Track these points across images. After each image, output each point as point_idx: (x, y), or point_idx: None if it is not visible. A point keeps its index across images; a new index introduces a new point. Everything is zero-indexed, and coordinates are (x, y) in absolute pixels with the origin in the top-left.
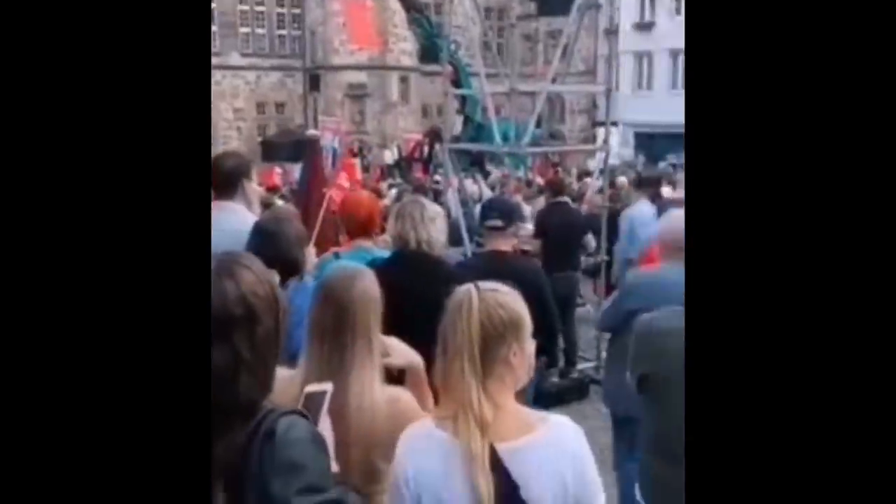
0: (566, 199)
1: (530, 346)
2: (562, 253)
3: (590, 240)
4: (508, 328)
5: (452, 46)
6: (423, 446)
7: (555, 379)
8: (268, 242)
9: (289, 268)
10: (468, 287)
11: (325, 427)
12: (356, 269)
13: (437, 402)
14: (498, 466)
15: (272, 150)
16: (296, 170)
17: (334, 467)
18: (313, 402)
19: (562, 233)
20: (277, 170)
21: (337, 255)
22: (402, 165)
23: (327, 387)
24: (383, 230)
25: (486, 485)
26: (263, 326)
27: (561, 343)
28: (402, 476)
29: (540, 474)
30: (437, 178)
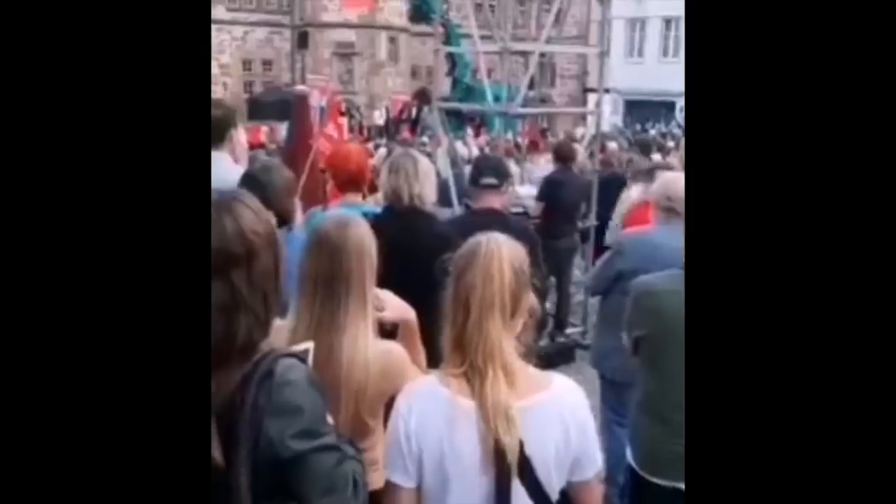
0: (571, 164)
1: (535, 300)
2: (564, 219)
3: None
4: (527, 281)
5: (444, 6)
6: (427, 403)
7: (543, 342)
8: (257, 191)
9: (278, 217)
10: (493, 237)
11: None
12: (351, 216)
13: (429, 358)
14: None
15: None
16: (282, 128)
17: (330, 419)
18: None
19: (566, 199)
20: (264, 128)
21: (325, 209)
22: (390, 126)
23: (308, 345)
24: (373, 188)
25: (511, 442)
26: (262, 263)
27: (552, 307)
28: (402, 432)
29: (545, 432)
30: (425, 139)
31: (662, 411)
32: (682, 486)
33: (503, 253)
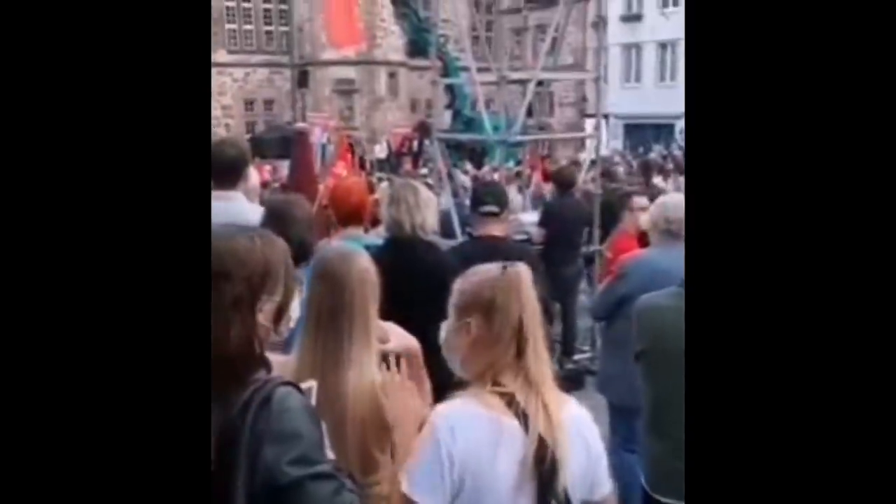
0: (572, 190)
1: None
2: (567, 244)
3: None
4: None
5: (441, 40)
6: (472, 425)
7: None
8: (281, 226)
9: (299, 251)
10: (515, 266)
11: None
12: (352, 249)
13: (435, 388)
14: (543, 444)
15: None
16: (284, 166)
17: (331, 455)
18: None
19: (568, 225)
20: (267, 166)
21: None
22: (392, 160)
23: (311, 384)
24: (374, 223)
25: (565, 455)
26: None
27: (558, 333)
28: (443, 453)
29: (571, 451)
30: (426, 171)
31: (666, 428)
32: None
33: (529, 281)
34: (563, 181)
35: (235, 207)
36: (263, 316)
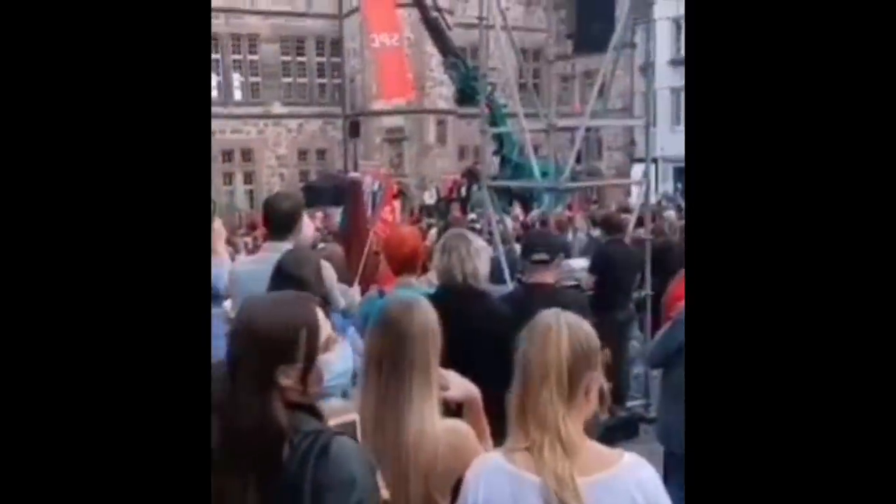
0: (621, 236)
1: (601, 377)
2: (617, 290)
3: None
4: (590, 355)
5: (489, 88)
6: (494, 479)
7: (603, 416)
8: (290, 285)
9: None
10: (553, 312)
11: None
12: (416, 298)
13: (494, 436)
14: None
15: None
16: (336, 214)
17: (386, 495)
18: (345, 432)
19: (618, 270)
20: (318, 214)
21: (381, 293)
22: (441, 206)
23: (353, 416)
24: (425, 270)
25: None
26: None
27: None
28: None
29: None
30: (473, 216)
31: None
32: None
33: (562, 326)
34: (611, 226)
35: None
36: (290, 380)
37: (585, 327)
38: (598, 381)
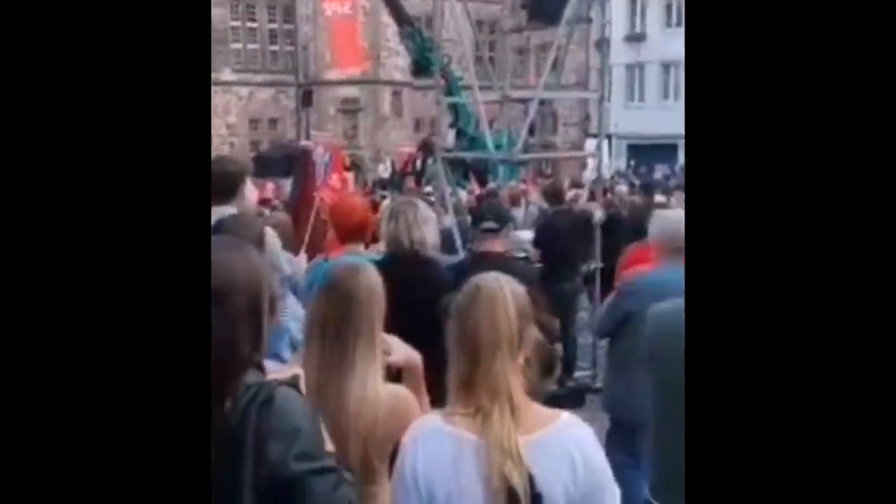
0: (566, 206)
1: (536, 331)
2: (563, 261)
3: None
4: (530, 317)
5: (445, 59)
6: (434, 441)
7: (551, 387)
8: None
9: None
10: (494, 278)
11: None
12: (362, 262)
13: (432, 401)
14: (509, 462)
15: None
16: (287, 184)
17: (330, 446)
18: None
19: (564, 241)
20: (270, 184)
21: (326, 261)
22: (395, 179)
23: (296, 371)
24: (375, 240)
25: (519, 477)
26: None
27: (560, 351)
28: (409, 472)
29: (552, 466)
30: (428, 189)
31: (678, 438)
32: None
33: (506, 292)
34: (555, 197)
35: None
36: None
37: (520, 288)
38: (537, 336)
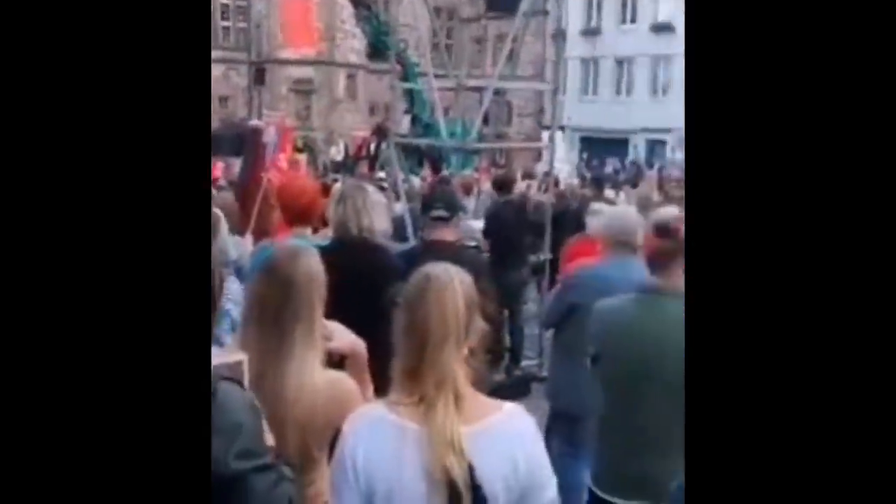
0: (514, 196)
1: (482, 322)
2: (510, 249)
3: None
4: (476, 309)
5: (401, 45)
6: (376, 430)
7: (498, 376)
8: None
9: None
10: (444, 268)
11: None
12: (301, 245)
13: (376, 389)
14: (450, 452)
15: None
16: (238, 164)
17: (271, 440)
18: (233, 373)
19: (511, 231)
20: (219, 163)
21: (272, 245)
22: (349, 163)
23: (241, 356)
24: (326, 224)
25: (459, 468)
26: None
27: (507, 341)
28: (349, 461)
29: (493, 458)
30: (382, 174)
31: (619, 431)
32: None
33: (455, 283)
34: (503, 186)
35: None
36: None
37: (468, 277)
38: (482, 326)
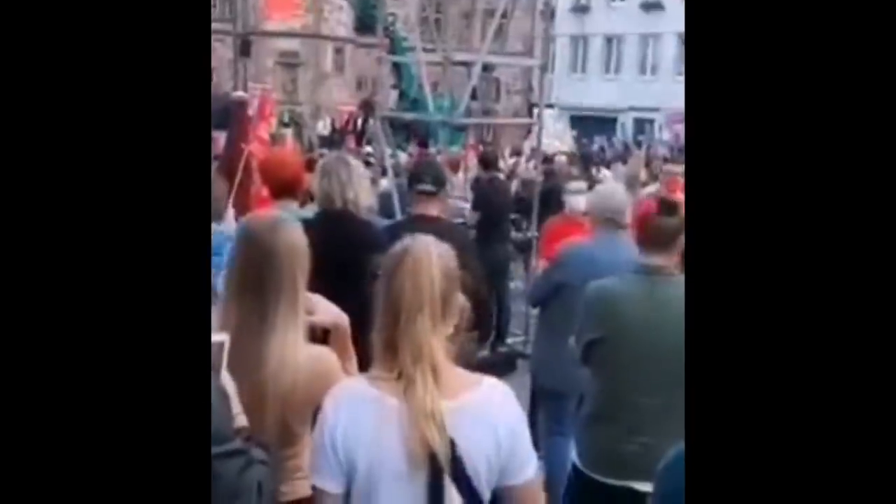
0: (497, 172)
1: (462, 297)
2: (493, 225)
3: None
4: (457, 280)
5: (389, 18)
6: (355, 405)
7: (484, 352)
8: None
9: None
10: (420, 239)
11: (227, 380)
12: (282, 216)
13: (360, 364)
14: (430, 427)
15: None
16: (223, 137)
17: (243, 421)
18: (212, 356)
19: (495, 207)
20: None
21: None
22: (336, 137)
23: (222, 337)
24: (311, 197)
25: (441, 443)
26: None
27: (492, 316)
28: (328, 435)
29: (474, 433)
30: (369, 149)
31: (616, 412)
32: (634, 484)
33: (431, 255)
34: (487, 162)
35: None
36: None
37: (448, 251)
38: (464, 303)
